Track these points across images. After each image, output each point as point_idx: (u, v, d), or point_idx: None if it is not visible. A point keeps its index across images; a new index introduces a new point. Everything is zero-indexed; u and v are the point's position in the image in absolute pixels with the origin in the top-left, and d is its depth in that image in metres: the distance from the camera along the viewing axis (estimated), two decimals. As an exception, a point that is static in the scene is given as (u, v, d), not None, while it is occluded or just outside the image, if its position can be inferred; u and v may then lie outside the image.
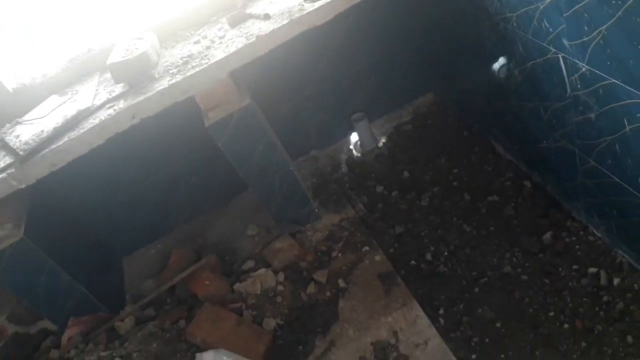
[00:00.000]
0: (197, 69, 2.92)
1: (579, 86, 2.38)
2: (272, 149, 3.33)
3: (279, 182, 3.49)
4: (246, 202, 4.13)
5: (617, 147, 2.36)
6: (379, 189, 4.00)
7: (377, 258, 3.44)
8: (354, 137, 4.47)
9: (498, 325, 2.89)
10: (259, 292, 3.35)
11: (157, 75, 3.05)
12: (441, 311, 3.05)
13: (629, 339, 2.62)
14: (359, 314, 3.15)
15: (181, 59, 3.10)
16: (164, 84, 2.92)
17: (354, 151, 4.43)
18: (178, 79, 2.91)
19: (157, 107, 2.94)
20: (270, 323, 3.24)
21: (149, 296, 3.57)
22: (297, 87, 4.02)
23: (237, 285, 3.40)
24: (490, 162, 3.82)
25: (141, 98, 2.89)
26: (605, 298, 2.80)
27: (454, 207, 3.62)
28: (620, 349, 2.60)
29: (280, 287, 3.40)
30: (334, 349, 3.03)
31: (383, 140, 4.43)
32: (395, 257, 3.45)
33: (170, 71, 3.02)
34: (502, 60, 3.03)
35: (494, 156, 3.85)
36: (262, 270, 3.45)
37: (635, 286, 2.78)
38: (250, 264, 3.59)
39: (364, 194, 4.02)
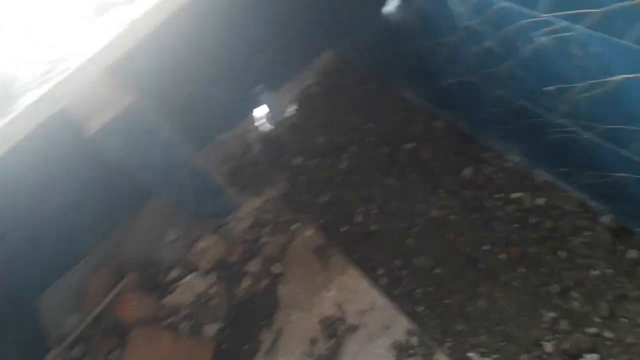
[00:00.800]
0: (64, 74, 2.67)
1: (469, 16, 2.39)
2: (172, 145, 3.16)
3: (187, 178, 3.34)
4: (158, 207, 3.95)
5: (517, 70, 2.41)
6: (298, 160, 3.94)
7: (309, 233, 3.41)
8: (261, 111, 4.35)
9: (438, 271, 2.96)
10: (191, 300, 3.24)
11: (17, 93, 2.77)
12: (380, 271, 3.08)
13: (562, 254, 2.76)
14: (301, 295, 3.12)
15: (48, 63, 2.83)
16: (27, 99, 2.66)
17: (263, 126, 4.32)
18: (44, 90, 2.65)
19: (28, 127, 2.68)
20: (211, 329, 3.15)
21: (74, 333, 3.37)
22: (191, 70, 3.82)
23: (166, 299, 3.27)
24: (401, 110, 3.85)
25: (5, 121, 2.62)
26: (532, 220, 2.92)
27: (374, 163, 3.63)
28: (556, 265, 2.74)
29: (212, 290, 3.31)
30: (282, 337, 3.00)
31: (292, 108, 4.34)
32: (326, 227, 3.43)
33: (34, 82, 2.74)
34: (393, 2, 3.00)
35: (403, 103, 3.87)
36: (189, 277, 3.33)
37: (559, 202, 2.91)
38: (175, 272, 3.45)
39: (283, 169, 3.95)
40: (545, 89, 2.32)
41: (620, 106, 2.02)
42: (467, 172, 3.26)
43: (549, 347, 2.51)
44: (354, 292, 3.00)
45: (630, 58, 1.79)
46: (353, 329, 2.86)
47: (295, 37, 4.22)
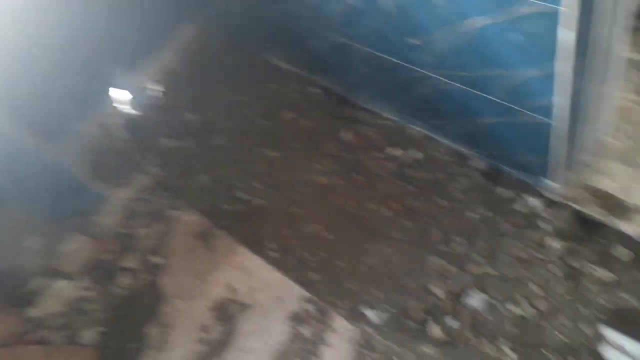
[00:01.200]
0: None
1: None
2: (16, 144, 2.82)
3: (40, 176, 3.00)
4: (10, 214, 3.51)
5: (380, 25, 2.44)
6: (168, 142, 3.72)
7: (188, 218, 3.24)
8: (121, 95, 4.03)
9: (327, 236, 2.97)
10: (61, 309, 2.94)
11: None
12: (270, 245, 3.02)
13: (442, 202, 2.90)
14: (187, 283, 2.96)
15: None
16: None
17: (125, 111, 4.01)
18: None
19: None
20: (90, 335, 2.89)
21: None
22: (31, 63, 3.41)
23: (31, 312, 2.92)
24: (273, 78, 3.78)
25: None
26: (412, 173, 3.03)
27: (252, 137, 3.54)
28: (438, 214, 2.87)
29: (86, 293, 3.02)
30: (171, 330, 2.83)
31: (155, 87, 4.08)
32: (207, 209, 3.28)
33: None
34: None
35: (275, 72, 3.81)
36: (57, 284, 3.01)
37: (435, 153, 3.05)
38: (39, 281, 3.10)
39: (152, 154, 3.70)
40: (409, 41, 2.38)
41: (481, 53, 2.12)
42: (346, 135, 3.29)
43: (437, 291, 2.63)
44: (244, 271, 2.91)
45: (486, 4, 1.87)
46: (246, 308, 2.78)
47: (147, 12, 3.95)
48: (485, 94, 2.34)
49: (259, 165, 3.39)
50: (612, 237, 2.54)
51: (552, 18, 1.69)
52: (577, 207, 2.59)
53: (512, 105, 2.25)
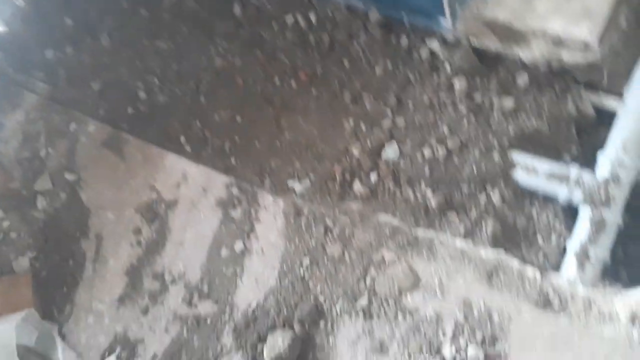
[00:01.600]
0: None
1: None
2: None
3: None
4: None
5: None
6: (50, 53, 3.36)
7: (91, 128, 3.04)
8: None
9: (238, 119, 2.88)
10: (-18, 244, 2.80)
11: None
12: (182, 139, 2.91)
13: (346, 63, 2.84)
14: (107, 193, 2.86)
15: None
16: None
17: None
18: None
19: None
20: (22, 263, 2.80)
21: None
22: None
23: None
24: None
25: None
26: (312, 39, 2.91)
27: (138, 30, 3.25)
28: (344, 76, 2.82)
29: (5, 223, 2.88)
30: (104, 241, 2.78)
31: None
32: (108, 116, 3.08)
33: None
34: None
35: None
36: (-33, 221, 2.83)
37: (330, 14, 2.90)
38: (-53, 223, 2.90)
39: (37, 69, 3.35)
40: None
41: None
42: (236, 9, 3.08)
43: (355, 151, 2.66)
44: (161, 170, 2.82)
45: None
46: (173, 204, 2.74)
47: None
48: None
49: (152, 60, 3.15)
50: (509, 65, 2.60)
51: None
52: (475, 43, 2.60)
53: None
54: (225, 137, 2.86)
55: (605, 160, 2.31)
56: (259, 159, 2.76)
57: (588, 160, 2.42)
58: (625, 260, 2.47)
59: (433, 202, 2.47)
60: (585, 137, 2.60)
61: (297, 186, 2.64)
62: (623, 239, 2.48)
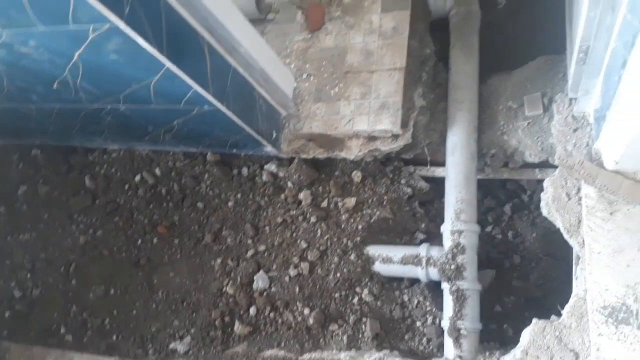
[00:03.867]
0: None
1: None
2: None
3: None
4: None
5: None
6: None
7: (-28, 345, 2.81)
8: None
9: (112, 292, 2.73)
10: None
11: None
12: (63, 329, 2.71)
13: (200, 205, 2.76)
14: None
15: None
16: None
17: None
18: None
19: None
20: None
21: None
22: None
23: None
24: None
25: None
26: (163, 190, 2.85)
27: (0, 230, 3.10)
28: (202, 218, 2.75)
29: None
30: None
31: None
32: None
33: None
34: None
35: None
36: None
37: (171, 164, 2.85)
38: None
39: None
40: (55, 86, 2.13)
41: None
42: (88, 182, 2.99)
43: (229, 290, 2.55)
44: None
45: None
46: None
47: None
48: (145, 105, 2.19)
49: (20, 255, 2.98)
50: (343, 167, 2.61)
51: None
52: (305, 156, 2.61)
53: (177, 107, 2.14)
54: (104, 314, 2.69)
55: (446, 232, 2.32)
56: (139, 328, 2.60)
57: (438, 232, 2.42)
58: (504, 314, 2.45)
59: (311, 319, 2.38)
60: (429, 210, 2.63)
61: (180, 346, 2.49)
62: (494, 295, 2.47)
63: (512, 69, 2.54)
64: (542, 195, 2.14)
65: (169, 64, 1.78)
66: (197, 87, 1.93)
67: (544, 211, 2.13)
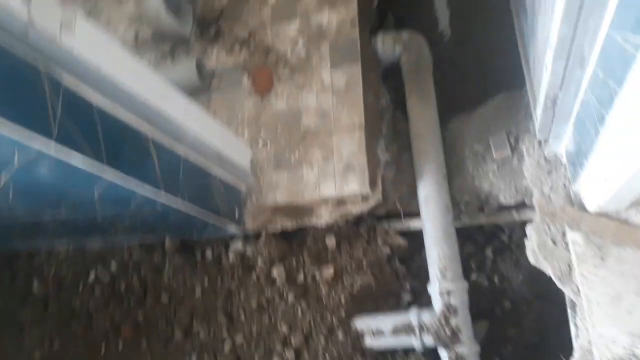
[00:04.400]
0: None
1: None
2: None
3: None
4: None
5: None
6: None
7: None
8: None
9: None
10: None
11: None
12: None
13: (164, 297, 2.52)
14: None
15: None
16: None
17: None
18: None
19: None
20: None
21: None
22: None
23: None
24: None
25: None
26: (121, 287, 2.59)
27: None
28: (169, 312, 2.51)
29: None
30: None
31: None
32: None
33: None
34: None
35: None
36: None
37: (127, 256, 2.61)
38: None
39: None
40: None
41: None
42: (36, 287, 2.70)
43: (210, 389, 2.33)
44: None
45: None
46: None
47: None
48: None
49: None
50: (315, 234, 2.45)
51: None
52: (273, 229, 2.43)
53: (126, 209, 1.93)
54: None
55: (435, 294, 2.18)
56: None
57: (424, 288, 2.29)
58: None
59: (306, 411, 2.19)
60: (410, 266, 2.50)
61: None
62: (491, 346, 2.35)
63: (468, 105, 2.48)
64: (527, 243, 2.04)
65: (111, 172, 1.58)
66: (146, 188, 1.73)
67: (531, 259, 2.03)
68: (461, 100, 2.58)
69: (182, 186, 1.92)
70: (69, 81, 1.43)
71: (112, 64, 1.53)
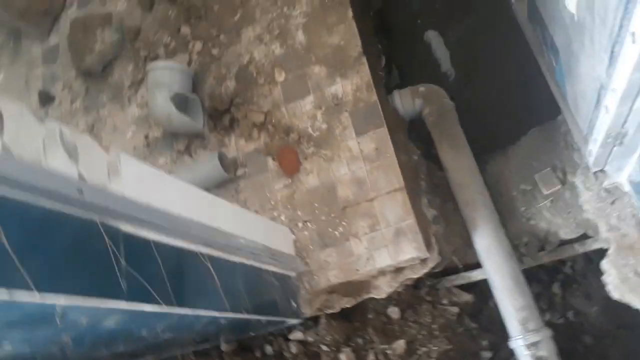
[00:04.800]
0: None
1: None
2: None
3: None
4: None
5: None
6: None
7: None
8: None
9: None
10: None
11: None
12: None
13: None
14: None
15: None
16: None
17: None
18: None
19: None
20: None
21: None
22: None
23: None
24: None
25: None
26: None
27: None
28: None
29: None
30: None
31: None
32: None
33: None
34: None
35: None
36: None
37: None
38: None
39: None
40: None
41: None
42: None
43: None
44: None
45: None
46: None
47: None
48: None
49: None
50: (376, 307, 2.34)
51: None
52: (330, 311, 2.31)
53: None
54: None
55: (520, 349, 2.06)
56: None
57: (500, 341, 2.17)
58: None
59: None
60: (481, 320, 2.38)
61: None
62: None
63: (491, 143, 2.42)
64: (607, 279, 1.95)
65: (178, 310, 1.47)
66: (213, 314, 1.62)
67: (615, 295, 1.93)
68: (482, 140, 2.52)
69: (244, 299, 1.81)
70: (126, 226, 1.33)
71: (161, 195, 1.45)
